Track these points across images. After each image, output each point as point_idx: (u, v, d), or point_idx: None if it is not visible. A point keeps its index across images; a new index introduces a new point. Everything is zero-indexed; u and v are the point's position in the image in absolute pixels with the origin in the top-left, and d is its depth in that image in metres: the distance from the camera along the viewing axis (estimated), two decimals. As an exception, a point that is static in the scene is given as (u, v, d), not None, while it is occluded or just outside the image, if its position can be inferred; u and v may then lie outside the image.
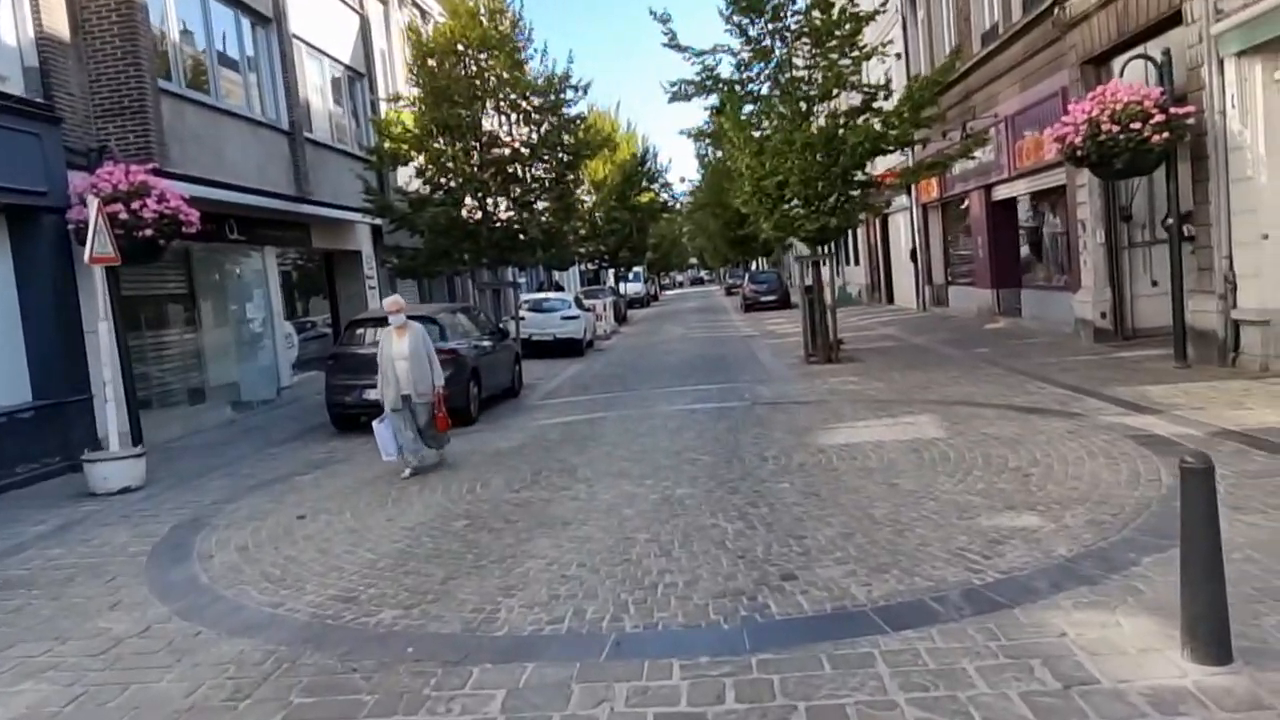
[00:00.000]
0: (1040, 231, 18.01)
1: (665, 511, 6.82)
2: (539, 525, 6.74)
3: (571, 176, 17.55)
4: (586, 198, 39.69)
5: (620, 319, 34.30)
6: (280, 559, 6.42)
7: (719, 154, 45.28)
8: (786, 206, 15.86)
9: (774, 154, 15.13)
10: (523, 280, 37.95)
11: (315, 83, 17.42)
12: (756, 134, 15.72)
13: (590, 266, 44.44)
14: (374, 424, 8.99)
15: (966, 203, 20.88)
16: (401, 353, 8.98)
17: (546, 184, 17.12)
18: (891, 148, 15.53)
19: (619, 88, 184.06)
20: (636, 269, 52.00)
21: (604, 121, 31.09)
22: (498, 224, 16.50)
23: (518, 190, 16.98)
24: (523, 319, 22.24)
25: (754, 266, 55.93)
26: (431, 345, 9.28)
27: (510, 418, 12.90)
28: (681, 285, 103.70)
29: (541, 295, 25.33)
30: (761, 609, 4.71)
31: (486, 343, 13.72)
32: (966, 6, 19.41)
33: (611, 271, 45.30)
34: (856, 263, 34.95)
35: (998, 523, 5.83)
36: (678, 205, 51.80)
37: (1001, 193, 18.73)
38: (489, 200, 16.62)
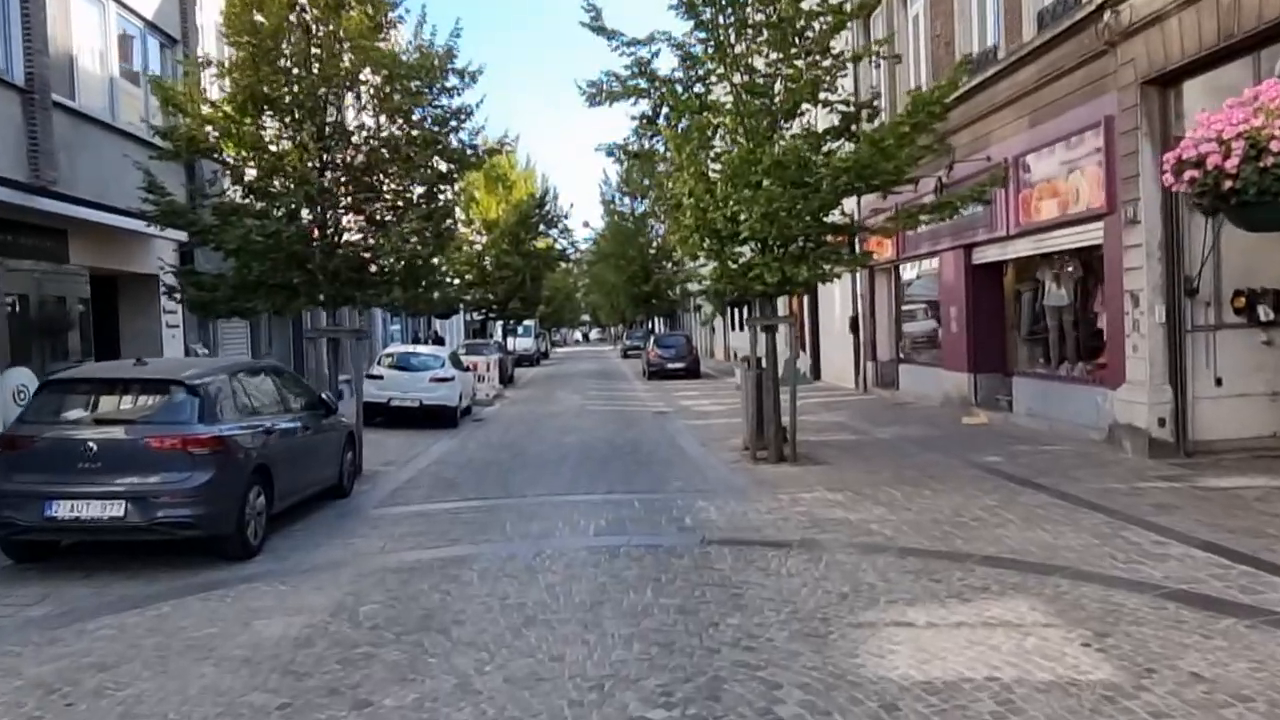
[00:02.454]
0: (1040, 305, 14.46)
1: None
2: None
3: (448, 192, 12.96)
4: (477, 237, 35.14)
5: (506, 380, 29.46)
6: None
7: (627, 197, 41.75)
8: (739, 249, 11.92)
9: (730, 179, 11.15)
10: (395, 327, 32.81)
11: (89, 36, 12.44)
12: (704, 152, 11.73)
13: (477, 316, 39.60)
14: None
15: (936, 265, 17.30)
16: None
17: (414, 198, 12.48)
18: (879, 182, 11.72)
19: (517, 120, 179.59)
20: (527, 322, 47.31)
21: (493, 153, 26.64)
22: (340, 248, 11.74)
23: (375, 204, 12.29)
24: (380, 378, 17.45)
25: (651, 325, 52.08)
26: None
27: (320, 545, 8.15)
28: (579, 342, 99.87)
29: (409, 349, 20.42)
30: None
31: (294, 422, 8.91)
32: (948, 30, 16.03)
33: (500, 324, 40.59)
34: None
35: None
36: (577, 255, 47.55)
37: (990, 254, 15.15)
38: (332, 215, 11.89)
